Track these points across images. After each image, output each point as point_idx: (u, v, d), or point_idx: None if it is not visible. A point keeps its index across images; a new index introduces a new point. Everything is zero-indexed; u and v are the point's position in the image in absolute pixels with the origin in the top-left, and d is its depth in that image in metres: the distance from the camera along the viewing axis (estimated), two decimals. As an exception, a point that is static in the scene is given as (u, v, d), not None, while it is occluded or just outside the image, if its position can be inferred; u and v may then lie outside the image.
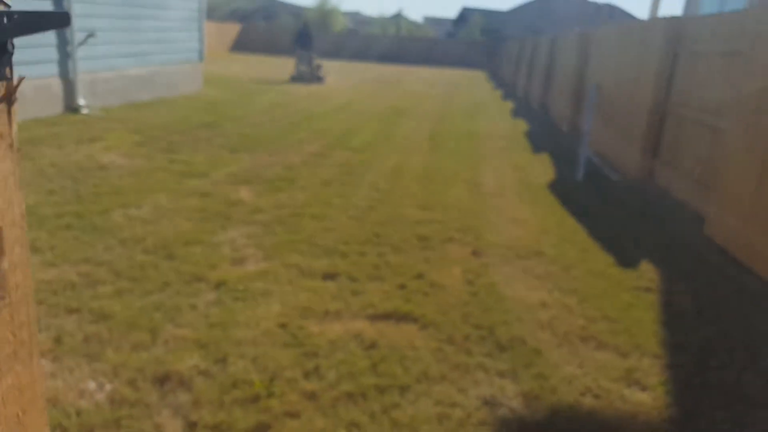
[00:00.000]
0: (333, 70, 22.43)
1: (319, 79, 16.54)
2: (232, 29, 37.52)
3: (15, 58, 0.73)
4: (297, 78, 16.49)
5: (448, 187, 5.59)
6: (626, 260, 3.77)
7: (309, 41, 16.55)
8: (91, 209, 3.80)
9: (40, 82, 6.47)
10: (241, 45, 36.65)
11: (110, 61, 7.87)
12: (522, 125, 10.72)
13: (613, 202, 5.45)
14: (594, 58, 8.71)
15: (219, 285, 2.90)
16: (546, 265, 3.57)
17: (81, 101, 7.10)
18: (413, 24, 62.33)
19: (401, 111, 11.81)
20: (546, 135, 9.71)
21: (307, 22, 20.54)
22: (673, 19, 5.61)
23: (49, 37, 6.54)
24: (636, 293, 3.26)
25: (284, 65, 25.39)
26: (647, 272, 3.58)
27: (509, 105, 14.60)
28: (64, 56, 6.83)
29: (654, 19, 5.89)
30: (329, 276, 3.14)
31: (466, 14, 52.14)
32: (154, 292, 2.77)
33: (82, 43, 7.13)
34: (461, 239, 3.95)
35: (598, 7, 43.51)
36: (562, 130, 10.38)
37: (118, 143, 5.81)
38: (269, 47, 36.42)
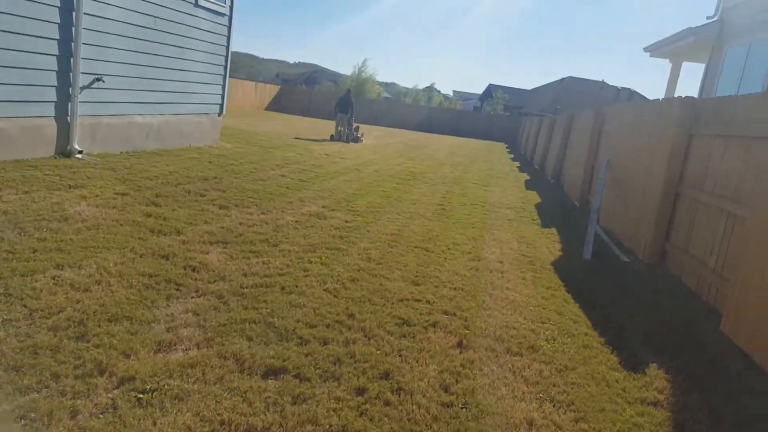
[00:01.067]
0: (364, 133, 22.92)
1: (356, 139, 18.37)
2: (271, 89, 38.90)
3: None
4: (336, 138, 18.03)
5: (446, 258, 5.19)
6: (632, 362, 3.27)
7: (349, 106, 18.12)
8: (16, 268, 3.32)
9: (29, 121, 6.37)
10: (278, 105, 37.91)
11: (117, 106, 7.86)
12: (534, 197, 10.37)
13: (621, 288, 4.95)
14: (608, 135, 8.43)
15: (123, 381, 2.33)
16: (540, 365, 3.08)
17: (76, 145, 7.00)
18: (443, 96, 64.14)
19: (418, 175, 11.62)
20: (557, 208, 9.32)
21: (350, 89, 22.50)
22: (688, 99, 5.32)
23: (49, 77, 6.52)
24: (642, 408, 2.73)
25: (316, 125, 26.03)
26: (656, 379, 3.07)
27: (524, 176, 14.33)
28: (65, 98, 6.78)
29: (669, 99, 5.60)
30: (273, 372, 2.60)
31: (491, 90, 53.38)
32: (30, 390, 2.17)
33: (86, 87, 7.13)
34: (448, 325, 3.50)
35: (618, 90, 44.06)
36: (574, 204, 9.99)
37: (98, 192, 5.60)
38: (305, 109, 37.66)
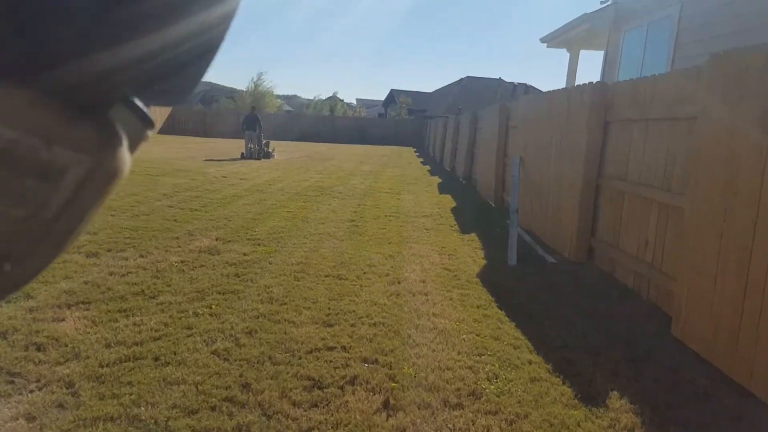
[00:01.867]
0: (275, 148, 22.05)
1: (268, 155, 18.58)
2: (162, 111, 36.38)
3: None
4: (247, 155, 18.05)
5: (362, 286, 4.52)
6: (589, 393, 2.77)
7: (256, 123, 18.19)
8: None
9: None
10: (171, 128, 35.57)
11: None
12: (449, 201, 10.03)
13: (554, 294, 4.55)
14: (516, 131, 8.23)
15: None
16: (487, 418, 2.49)
17: None
18: (347, 105, 63.86)
19: (326, 189, 10.90)
20: (474, 211, 9.01)
21: (255, 106, 22.22)
22: (600, 85, 5.07)
23: None
24: (616, 459, 2.22)
25: (215, 146, 24.45)
26: (621, 413, 2.58)
27: (436, 180, 14.09)
28: None
29: (579, 86, 5.35)
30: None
31: (394, 95, 53.90)
32: None
33: None
34: (369, 379, 2.83)
35: (514, 86, 46.06)
36: (490, 205, 9.76)
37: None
38: (202, 130, 35.65)
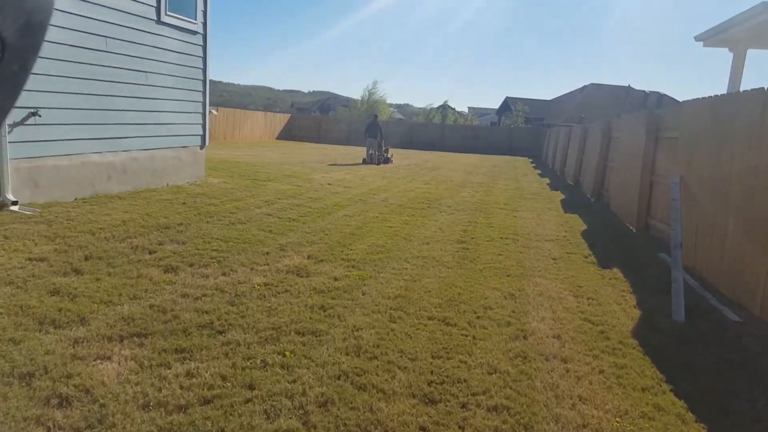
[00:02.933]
0: (393, 154, 22.25)
1: (387, 160, 19.48)
2: (282, 118, 37.98)
3: None
4: (368, 161, 18.94)
5: (476, 338, 3.50)
6: None
7: (377, 130, 19.24)
8: None
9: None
10: (288, 134, 36.94)
11: (65, 144, 6.45)
12: (576, 222, 8.61)
13: (755, 376, 3.20)
14: (672, 144, 6.67)
15: None
16: None
17: (9, 195, 5.58)
18: (458, 114, 62.66)
19: (433, 202, 9.97)
20: (611, 238, 7.54)
21: (376, 115, 23.54)
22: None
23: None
24: None
25: (325, 152, 24.64)
26: None
27: (558, 195, 12.55)
28: (-14, 138, 5.43)
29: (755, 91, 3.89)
30: None
31: (509, 103, 51.80)
32: None
33: (18, 123, 5.74)
34: None
35: (646, 94, 42.01)
36: (629, 229, 8.19)
37: (5, 260, 4.11)
38: (316, 136, 36.60)
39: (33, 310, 3.22)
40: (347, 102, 62.71)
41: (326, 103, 72.51)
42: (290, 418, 2.40)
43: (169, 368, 2.78)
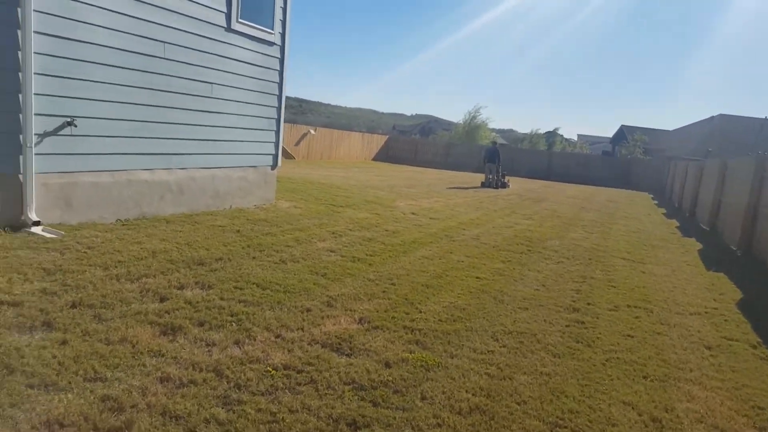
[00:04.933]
0: (472, 181, 21.79)
1: (504, 185, 20.31)
2: (379, 140, 37.78)
3: None
4: (486, 184, 20.04)
5: None
6: None
7: (496, 156, 20.25)
8: None
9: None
10: (385, 155, 36.60)
11: (107, 159, 5.73)
12: (727, 286, 6.51)
13: None
14: None
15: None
16: None
17: (32, 215, 4.87)
18: (566, 141, 59.03)
19: (535, 243, 8.30)
20: (786, 315, 5.45)
21: (495, 141, 24.91)
22: None
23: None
24: None
25: (419, 176, 23.45)
26: None
27: (693, 243, 10.22)
28: (13, 149, 4.74)
29: None
30: None
31: (624, 132, 47.82)
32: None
33: (49, 133, 5.05)
34: None
35: (785, 126, 36.59)
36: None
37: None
38: (412, 158, 35.88)
39: None
40: (449, 126, 61.75)
41: (427, 126, 72.05)
42: None
43: None
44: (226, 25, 7.02)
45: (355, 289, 4.75)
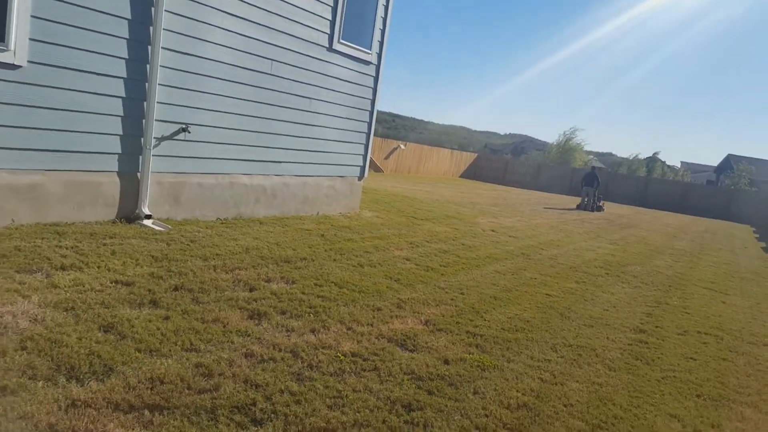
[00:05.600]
0: (559, 203, 21.82)
1: (599, 209, 20.81)
2: (468, 157, 37.77)
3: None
4: (582, 207, 20.61)
5: None
6: None
7: (594, 180, 20.67)
8: None
9: (76, 176, 5.16)
10: (473, 173, 36.59)
11: (213, 163, 6.48)
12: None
13: None
14: None
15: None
16: None
17: (145, 209, 5.65)
18: (667, 167, 55.63)
19: (614, 267, 8.16)
20: None
21: (595, 166, 25.71)
22: None
23: (110, 123, 5.31)
24: None
25: (505, 195, 23.33)
26: None
27: (796, 280, 9.47)
28: (134, 150, 5.54)
29: None
30: None
31: (730, 161, 44.38)
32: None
33: (166, 138, 5.84)
34: None
35: None
36: None
37: (89, 280, 3.90)
38: (500, 177, 35.58)
39: (63, 349, 2.77)
40: (542, 146, 60.37)
41: (520, 146, 70.87)
42: None
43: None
44: (328, 45, 7.67)
45: (425, 295, 5.05)
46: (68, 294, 3.50)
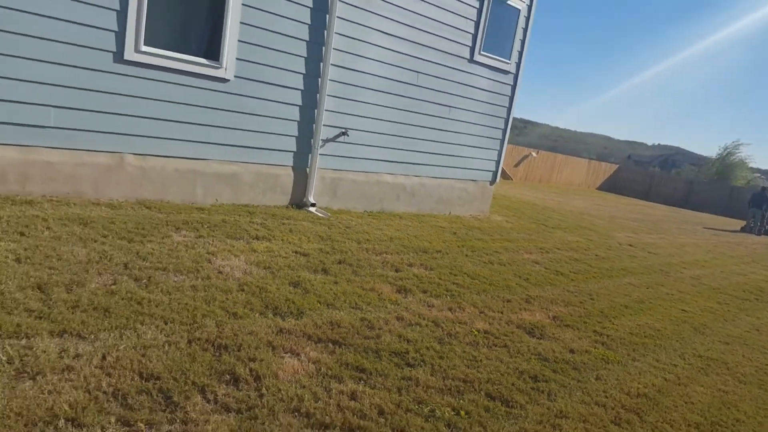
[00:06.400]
0: (712, 223, 20.92)
1: (767, 232, 19.60)
2: (607, 168, 35.87)
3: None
4: (747, 230, 19.55)
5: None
6: None
7: (764, 202, 19.52)
8: (36, 326, 2.63)
9: (263, 169, 6.26)
10: (612, 186, 34.66)
11: (364, 163, 7.34)
12: None
13: None
14: None
15: None
16: None
17: (311, 198, 6.64)
18: None
19: (766, 293, 7.66)
20: None
21: (765, 187, 23.35)
22: None
23: (289, 126, 6.34)
24: None
25: (649, 211, 21.98)
26: None
27: None
28: (304, 149, 6.55)
29: None
30: None
31: None
32: None
33: (330, 140, 6.78)
34: None
35: None
36: None
37: (276, 249, 4.83)
38: (644, 192, 33.32)
39: (268, 294, 3.65)
40: (698, 160, 55.05)
41: (671, 159, 65.27)
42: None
43: (340, 382, 2.73)
44: (469, 57, 8.23)
45: (554, 295, 5.37)
46: (264, 257, 4.45)
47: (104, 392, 2.21)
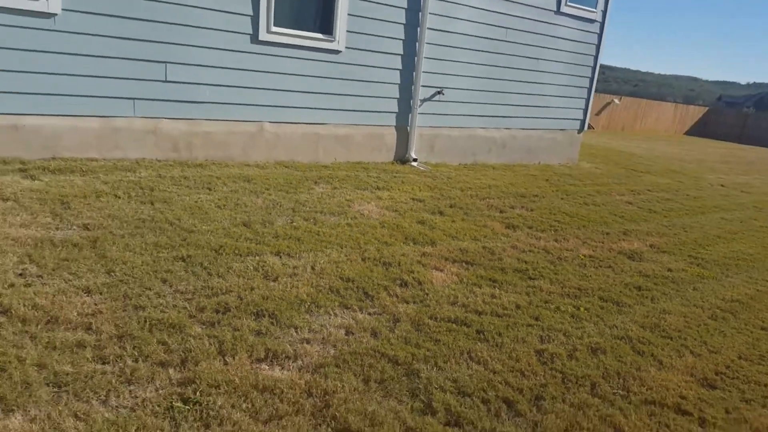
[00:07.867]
0: None
1: None
2: (694, 112, 33.95)
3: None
4: None
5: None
6: None
7: None
8: (240, 248, 3.54)
9: (371, 129, 7.01)
10: (701, 130, 32.85)
11: (457, 119, 7.92)
12: None
13: None
14: None
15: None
16: None
17: (412, 154, 7.35)
18: None
19: None
20: None
21: None
22: None
23: (391, 89, 7.03)
24: None
25: (743, 153, 21.00)
26: None
27: None
28: (405, 109, 7.22)
29: None
30: None
31: None
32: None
33: (427, 99, 7.41)
34: None
35: None
36: None
37: (397, 196, 5.60)
38: (736, 135, 31.33)
39: (404, 229, 4.44)
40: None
41: (766, 98, 60.04)
42: (560, 347, 2.75)
43: (480, 287, 3.48)
44: (555, 9, 8.48)
45: (649, 228, 5.83)
46: (389, 203, 5.26)
47: (323, 288, 3.09)
